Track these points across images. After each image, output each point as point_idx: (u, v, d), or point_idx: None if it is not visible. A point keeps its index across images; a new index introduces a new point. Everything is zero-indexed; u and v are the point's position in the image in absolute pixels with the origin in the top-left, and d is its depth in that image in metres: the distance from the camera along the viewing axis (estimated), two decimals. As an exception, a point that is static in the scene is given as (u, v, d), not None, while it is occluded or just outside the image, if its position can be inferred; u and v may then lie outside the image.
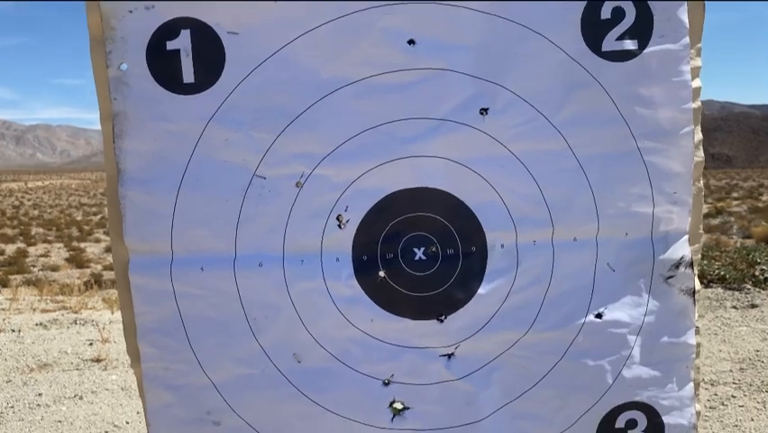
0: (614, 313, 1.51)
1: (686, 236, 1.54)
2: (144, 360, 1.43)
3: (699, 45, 1.50)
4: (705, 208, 1.61)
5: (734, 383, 3.42)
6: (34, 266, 20.32)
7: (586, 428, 1.54)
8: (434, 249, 1.48)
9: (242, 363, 1.44)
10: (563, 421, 1.53)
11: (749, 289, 5.18)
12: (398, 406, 1.48)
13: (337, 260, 1.45)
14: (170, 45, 1.36)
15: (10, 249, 24.64)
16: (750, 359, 3.74)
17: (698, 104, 1.50)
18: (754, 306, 4.80)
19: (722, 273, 5.39)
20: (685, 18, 1.46)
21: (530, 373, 1.51)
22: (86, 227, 33.19)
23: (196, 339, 1.43)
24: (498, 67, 1.42)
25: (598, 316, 1.51)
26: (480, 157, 1.44)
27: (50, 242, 28.11)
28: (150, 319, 1.42)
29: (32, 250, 24.85)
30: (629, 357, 1.52)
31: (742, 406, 3.13)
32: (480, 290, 1.48)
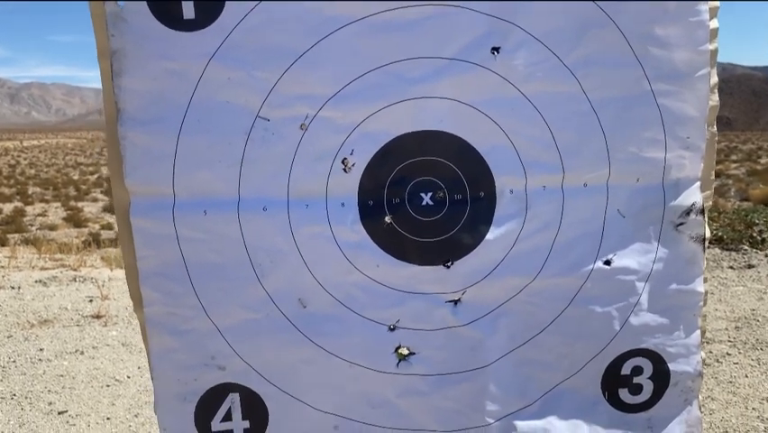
0: (623, 260, 1.49)
1: (698, 183, 1.52)
2: (147, 304, 1.41)
3: None
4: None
5: (729, 341, 3.45)
6: (32, 225, 20.28)
7: (592, 374, 1.54)
8: (441, 194, 1.45)
9: (247, 308, 1.43)
10: (569, 368, 1.53)
11: (746, 249, 5.19)
12: (404, 351, 1.47)
13: (342, 205, 1.42)
14: None
15: (7, 208, 24.56)
16: (745, 318, 3.77)
17: (714, 45, 1.45)
18: (750, 266, 4.82)
19: (720, 234, 5.40)
20: None
21: (537, 319, 1.50)
22: (84, 187, 33.04)
23: (199, 284, 1.41)
24: (511, 4, 1.37)
25: (607, 262, 1.49)
26: (491, 99, 1.40)
27: (47, 201, 28.00)
28: (152, 263, 1.39)
29: (29, 209, 24.77)
30: (637, 304, 1.51)
31: (737, 363, 3.17)
32: (488, 236, 1.45)
